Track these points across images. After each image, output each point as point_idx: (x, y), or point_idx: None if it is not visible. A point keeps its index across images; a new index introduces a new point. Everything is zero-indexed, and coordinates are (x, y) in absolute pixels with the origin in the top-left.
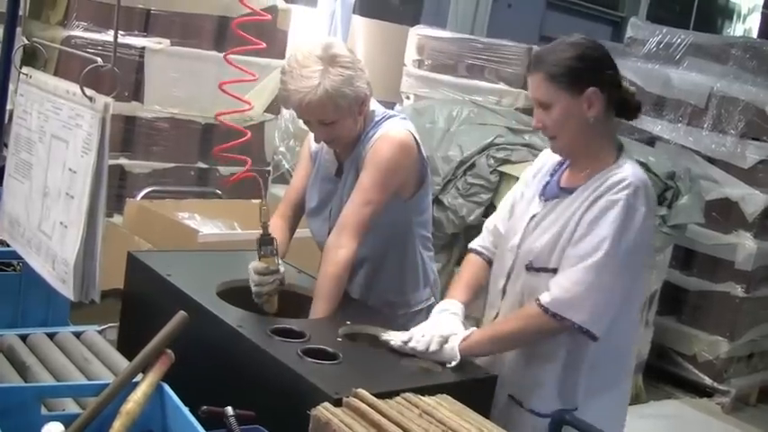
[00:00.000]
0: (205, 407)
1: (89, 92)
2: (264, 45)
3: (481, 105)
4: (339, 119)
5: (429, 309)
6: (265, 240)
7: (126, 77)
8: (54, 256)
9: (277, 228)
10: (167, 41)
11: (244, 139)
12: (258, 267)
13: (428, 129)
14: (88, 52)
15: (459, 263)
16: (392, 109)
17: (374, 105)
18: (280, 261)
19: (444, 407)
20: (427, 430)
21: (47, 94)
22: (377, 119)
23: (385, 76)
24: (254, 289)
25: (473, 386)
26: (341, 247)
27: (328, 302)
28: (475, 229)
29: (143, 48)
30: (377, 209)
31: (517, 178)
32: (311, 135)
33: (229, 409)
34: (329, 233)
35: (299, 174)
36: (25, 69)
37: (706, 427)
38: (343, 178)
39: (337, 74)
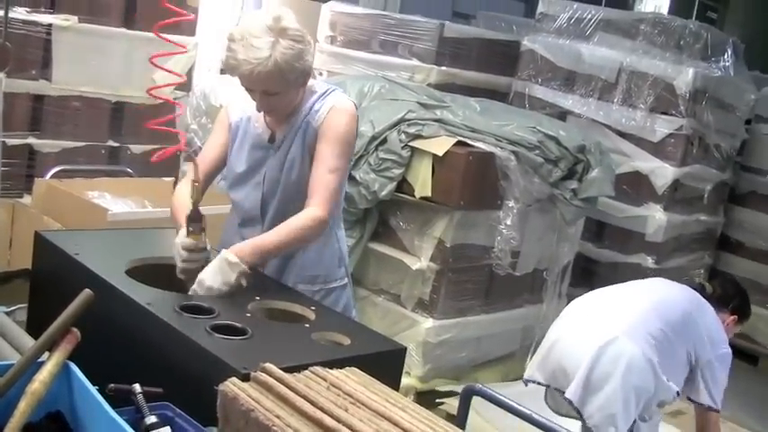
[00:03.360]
0: (113, 385)
1: None
2: (193, 17)
3: (393, 81)
4: (284, 90)
5: (343, 287)
6: (194, 217)
7: (33, 55)
8: None
9: (186, 193)
10: (75, 18)
11: (178, 113)
12: (186, 244)
13: None
14: None
15: (371, 238)
16: None
17: (313, 81)
18: (206, 238)
19: (352, 379)
20: (335, 402)
21: None
22: (319, 91)
23: None
24: (180, 265)
25: (382, 358)
26: (310, 207)
27: (280, 238)
28: (386, 204)
29: (50, 25)
30: (342, 176)
31: (428, 153)
32: (229, 107)
33: (137, 387)
34: (262, 198)
35: (212, 143)
36: None
37: None
38: (276, 146)
39: (288, 47)
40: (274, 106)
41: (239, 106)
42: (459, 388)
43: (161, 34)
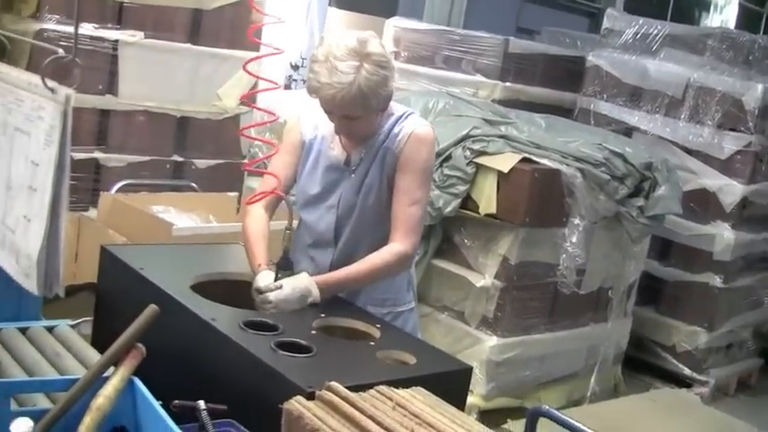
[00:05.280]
0: (177, 401)
1: (51, 83)
2: (282, 51)
3: (457, 97)
4: (365, 115)
5: (411, 311)
6: (285, 265)
7: (100, 71)
8: (18, 250)
9: (262, 219)
10: (141, 34)
11: (273, 119)
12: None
13: None
14: (60, 45)
15: (434, 255)
16: None
17: (392, 103)
18: None
19: (419, 399)
20: (401, 423)
21: (9, 86)
22: (396, 114)
23: None
24: (260, 307)
25: (448, 378)
26: (395, 242)
27: (362, 275)
28: (450, 221)
29: (116, 41)
30: (424, 206)
31: (493, 170)
32: (301, 124)
33: (201, 404)
34: (336, 221)
35: (284, 162)
36: None
37: (686, 418)
38: (352, 168)
39: (372, 72)
40: (354, 130)
41: (312, 123)
42: (519, 405)
43: (224, 50)
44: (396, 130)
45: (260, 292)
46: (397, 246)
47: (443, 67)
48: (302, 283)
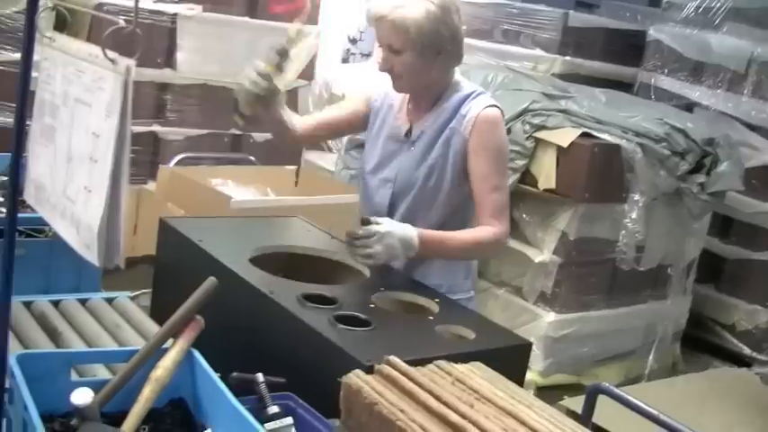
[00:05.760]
0: (235, 374)
1: (111, 54)
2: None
3: (516, 71)
4: (406, 51)
5: (468, 300)
6: (282, 52)
7: (158, 44)
8: (78, 221)
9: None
10: (199, 8)
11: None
12: (261, 69)
13: None
14: (120, 18)
15: None
16: None
17: (459, 77)
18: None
19: (477, 374)
20: (460, 398)
21: (70, 58)
22: (464, 92)
23: None
24: (246, 84)
25: (507, 354)
26: (494, 228)
27: (464, 246)
28: (509, 196)
29: (175, 14)
30: (507, 191)
31: (553, 145)
32: (372, 90)
33: (260, 376)
34: (391, 197)
35: (344, 107)
36: (49, 33)
37: (744, 398)
38: (412, 141)
39: (426, 8)
40: (397, 70)
41: (382, 91)
42: (575, 382)
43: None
44: (463, 110)
45: (357, 237)
46: (492, 228)
47: (502, 41)
48: (408, 231)
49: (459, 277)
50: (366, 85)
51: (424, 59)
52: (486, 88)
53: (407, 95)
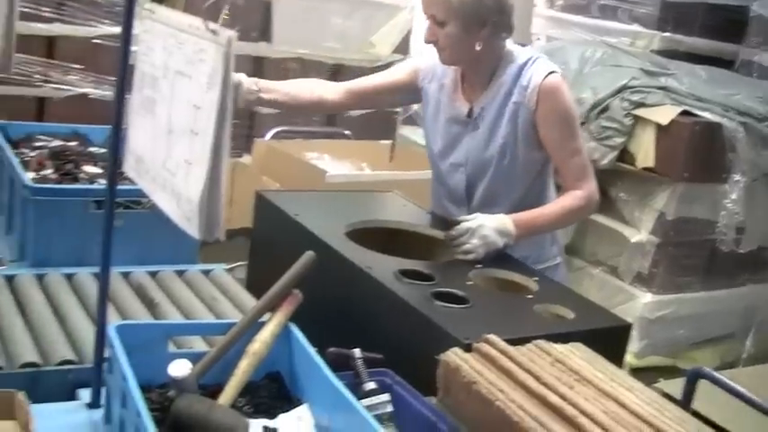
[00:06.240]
0: (332, 349)
1: (212, 26)
2: None
3: (615, 47)
4: (450, 22)
5: (556, 267)
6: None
7: (254, 18)
8: (178, 194)
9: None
10: None
11: None
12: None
13: (561, 71)
14: None
15: None
16: None
17: (511, 46)
18: None
19: (577, 355)
20: (559, 378)
21: (170, 30)
22: (519, 61)
23: (514, 16)
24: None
25: (606, 335)
26: (581, 190)
27: (554, 218)
28: (606, 174)
29: None
30: (582, 152)
31: (652, 122)
32: (420, 66)
33: (357, 352)
34: (466, 180)
35: (384, 75)
36: (148, 6)
37: None
38: (475, 120)
39: None
40: (441, 43)
41: (430, 70)
42: (671, 364)
43: None
44: (523, 81)
45: (453, 237)
46: (578, 192)
47: (599, 16)
48: (500, 218)
49: (546, 246)
50: (413, 62)
51: (467, 31)
52: (584, 64)
53: (459, 75)
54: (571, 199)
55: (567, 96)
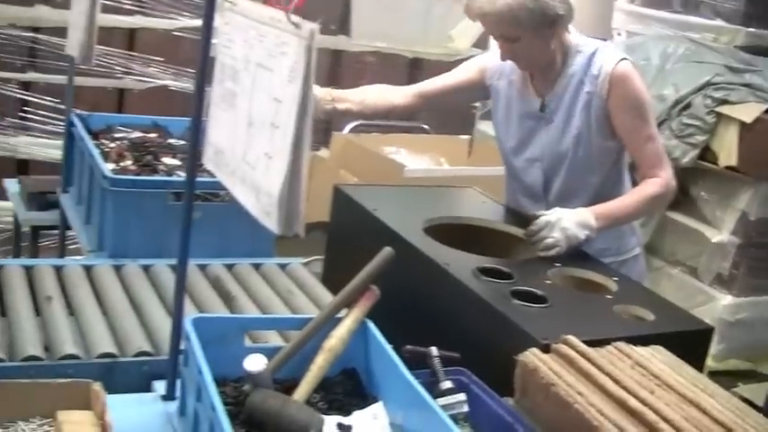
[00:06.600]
0: (409, 346)
1: (294, 18)
2: None
3: (697, 42)
4: (523, 36)
5: (636, 258)
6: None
7: (333, 10)
8: (258, 187)
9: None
10: None
11: None
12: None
13: (642, 66)
14: None
15: (669, 207)
16: None
17: (577, 38)
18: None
19: (658, 359)
20: (640, 383)
21: (251, 22)
22: (586, 51)
23: (594, 11)
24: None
25: (688, 338)
26: (657, 178)
27: (632, 209)
28: (687, 172)
29: None
30: (657, 138)
31: (735, 120)
32: (487, 65)
33: (434, 350)
34: (543, 176)
35: (452, 77)
36: None
37: None
38: (549, 114)
39: None
40: (518, 56)
41: (497, 67)
42: (750, 369)
43: None
44: (593, 70)
45: (532, 234)
46: (655, 179)
47: (681, 11)
48: (580, 211)
49: (626, 237)
50: (479, 61)
51: (541, 36)
52: (665, 60)
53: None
54: (649, 187)
55: (639, 83)
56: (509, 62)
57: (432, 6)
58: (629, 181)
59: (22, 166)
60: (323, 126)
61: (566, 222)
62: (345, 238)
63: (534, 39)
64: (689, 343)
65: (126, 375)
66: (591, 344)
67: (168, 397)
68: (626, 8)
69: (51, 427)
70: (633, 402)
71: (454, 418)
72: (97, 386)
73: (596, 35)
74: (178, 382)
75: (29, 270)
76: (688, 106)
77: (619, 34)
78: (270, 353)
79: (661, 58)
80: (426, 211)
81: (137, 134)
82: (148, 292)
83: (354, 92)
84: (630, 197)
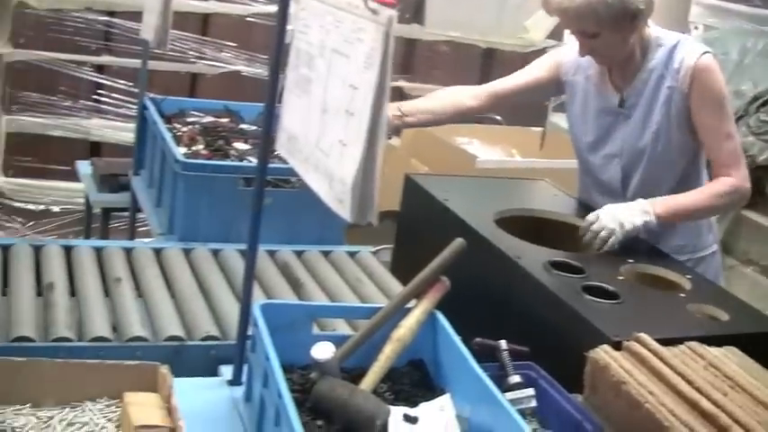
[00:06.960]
0: (478, 339)
1: (372, 4)
2: None
3: None
4: (602, 31)
5: (712, 255)
6: None
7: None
8: (331, 174)
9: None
10: None
11: None
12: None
13: (720, 61)
14: None
15: (745, 206)
16: None
17: (657, 31)
18: None
19: (732, 360)
20: (713, 384)
21: (328, 7)
22: (667, 44)
23: (671, 3)
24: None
25: (764, 340)
26: (731, 177)
27: (701, 204)
28: (764, 170)
29: None
30: (735, 136)
31: None
32: (563, 60)
33: (503, 343)
34: (622, 172)
35: (525, 74)
36: None
37: None
38: (628, 110)
39: None
40: (597, 51)
41: (573, 62)
42: None
43: None
44: (675, 64)
45: (585, 232)
46: (728, 178)
47: (760, 5)
48: (636, 203)
49: (703, 234)
50: (555, 55)
51: (620, 31)
52: (744, 55)
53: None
54: (718, 185)
55: (720, 78)
56: (586, 57)
57: None
58: (707, 179)
59: (94, 149)
60: None
61: (614, 209)
62: (415, 227)
63: (613, 34)
64: (764, 344)
65: (193, 359)
66: (663, 343)
67: (234, 382)
68: (704, 1)
69: (118, 408)
70: (705, 404)
71: (522, 413)
72: (164, 369)
73: (672, 29)
74: (245, 368)
75: (99, 251)
76: (766, 103)
77: (696, 28)
78: (337, 341)
79: (739, 52)
80: (498, 202)
81: (209, 119)
82: (217, 277)
83: (424, 101)
84: (697, 193)
